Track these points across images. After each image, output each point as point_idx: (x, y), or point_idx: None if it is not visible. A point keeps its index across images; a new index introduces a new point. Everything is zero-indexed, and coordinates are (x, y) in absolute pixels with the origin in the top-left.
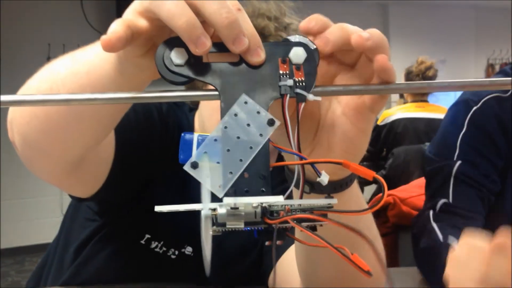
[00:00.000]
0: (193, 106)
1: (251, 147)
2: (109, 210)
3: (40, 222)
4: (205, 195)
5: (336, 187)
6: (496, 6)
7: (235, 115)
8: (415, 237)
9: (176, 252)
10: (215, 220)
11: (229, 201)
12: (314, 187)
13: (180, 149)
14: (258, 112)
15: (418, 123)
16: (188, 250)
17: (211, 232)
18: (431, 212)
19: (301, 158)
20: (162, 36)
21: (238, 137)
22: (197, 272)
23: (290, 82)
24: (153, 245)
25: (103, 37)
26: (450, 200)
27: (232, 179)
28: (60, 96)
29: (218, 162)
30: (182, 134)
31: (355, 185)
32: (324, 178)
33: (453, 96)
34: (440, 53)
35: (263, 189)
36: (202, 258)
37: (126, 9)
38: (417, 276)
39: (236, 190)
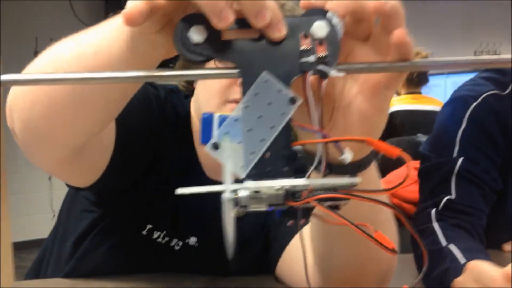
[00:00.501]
0: (188, 92)
1: (272, 126)
2: (108, 200)
3: (30, 218)
4: (227, 176)
5: (354, 168)
6: None
7: (256, 94)
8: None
9: (180, 243)
10: (236, 202)
11: (251, 184)
12: (332, 169)
13: (201, 130)
14: (280, 90)
15: (416, 115)
16: (192, 240)
17: (232, 215)
18: (433, 210)
19: (324, 136)
20: (178, 11)
21: (259, 117)
22: (203, 263)
23: (312, 58)
24: (155, 235)
25: (124, 11)
26: (453, 197)
27: (254, 160)
28: (74, 75)
29: (239, 142)
30: (203, 114)
31: (373, 167)
32: (348, 156)
33: (443, 89)
34: (428, 45)
35: (286, 168)
36: (207, 249)
37: (114, 2)
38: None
39: (258, 170)
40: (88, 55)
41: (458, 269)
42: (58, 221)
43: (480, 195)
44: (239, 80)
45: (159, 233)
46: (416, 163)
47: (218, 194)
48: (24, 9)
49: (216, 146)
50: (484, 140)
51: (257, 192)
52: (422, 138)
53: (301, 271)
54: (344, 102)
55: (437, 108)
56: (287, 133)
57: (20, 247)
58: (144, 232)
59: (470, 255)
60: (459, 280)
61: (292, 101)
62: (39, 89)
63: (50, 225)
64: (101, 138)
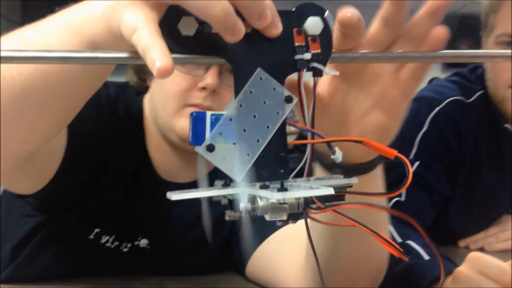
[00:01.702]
0: (141, 89)
1: (268, 126)
2: (52, 205)
3: None
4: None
5: (361, 169)
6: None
7: (250, 92)
8: None
9: (129, 245)
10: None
11: (279, 196)
12: (331, 169)
13: (191, 130)
14: (275, 88)
15: None
16: (143, 242)
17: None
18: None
19: (315, 134)
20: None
21: (255, 116)
22: (153, 264)
23: (307, 55)
24: (104, 239)
25: (160, 67)
26: (403, 198)
27: (250, 161)
28: (54, 53)
29: (234, 143)
30: (193, 113)
31: (379, 172)
32: (338, 156)
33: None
34: None
35: (282, 170)
36: (159, 250)
37: None
38: None
39: (254, 172)
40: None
41: (425, 265)
42: None
43: (429, 200)
44: (200, 84)
45: (107, 237)
46: None
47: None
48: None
49: (211, 148)
50: (440, 147)
51: (282, 203)
52: None
53: (280, 270)
54: (356, 114)
55: None
56: (283, 133)
57: None
58: (91, 237)
59: (431, 251)
60: (461, 270)
61: (288, 99)
62: None
63: None
64: (51, 144)
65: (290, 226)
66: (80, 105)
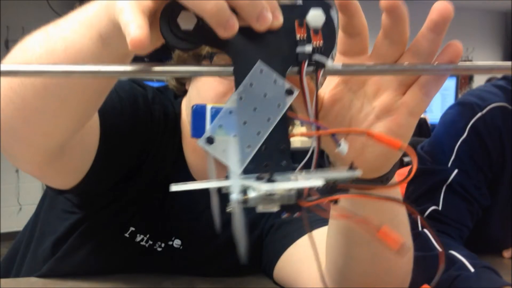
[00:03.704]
0: (179, 93)
1: (268, 119)
2: (90, 202)
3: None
4: (232, 174)
5: (376, 182)
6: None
7: (251, 84)
8: None
9: (163, 245)
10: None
11: (267, 187)
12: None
13: (192, 123)
14: (275, 81)
15: None
16: (177, 243)
17: (241, 220)
18: (418, 217)
19: (319, 127)
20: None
21: (255, 109)
22: (188, 265)
23: (308, 48)
24: (138, 238)
25: (132, 36)
26: (440, 207)
27: (251, 154)
28: (49, 67)
29: (234, 136)
30: (193, 106)
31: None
32: (344, 147)
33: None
34: None
35: (284, 162)
36: (192, 251)
37: None
38: None
39: (255, 164)
40: (59, 50)
41: (470, 278)
42: (35, 220)
43: (467, 210)
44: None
45: (142, 236)
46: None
47: (206, 196)
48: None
49: (210, 140)
50: (481, 155)
51: (270, 194)
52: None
53: (304, 276)
54: (362, 125)
55: None
56: (284, 126)
57: None
58: (127, 235)
59: (475, 262)
60: None
61: (289, 92)
62: (10, 89)
63: (15, 219)
64: (83, 140)
65: (315, 232)
66: (101, 97)
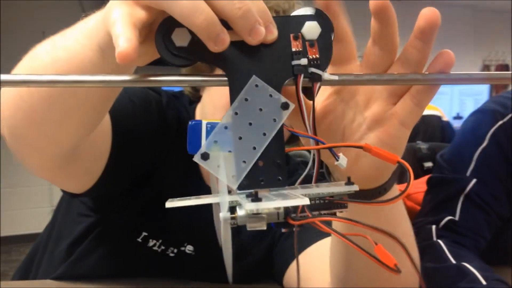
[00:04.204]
0: (194, 99)
1: (264, 134)
2: (103, 206)
3: (28, 212)
4: (223, 190)
5: (374, 194)
6: (493, 7)
7: (246, 99)
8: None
9: (175, 250)
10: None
11: (251, 207)
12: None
13: (188, 139)
14: (271, 95)
15: None
16: (189, 248)
17: (229, 234)
18: (434, 227)
19: (318, 142)
20: (159, 19)
21: (250, 123)
22: (198, 270)
23: (304, 61)
24: (151, 243)
25: (119, 50)
26: (457, 217)
27: (246, 169)
28: (44, 77)
29: (230, 151)
30: (190, 122)
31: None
32: (342, 162)
33: (450, 96)
34: (436, 52)
35: (279, 177)
36: (205, 257)
37: None
38: None
39: (251, 180)
40: (62, 60)
41: None
42: (52, 222)
43: (485, 220)
44: None
45: (154, 241)
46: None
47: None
48: (32, 2)
49: (205, 156)
50: (501, 164)
51: (256, 213)
52: (422, 145)
53: (313, 285)
54: (355, 136)
55: (431, 112)
56: (280, 140)
57: (18, 241)
58: (139, 239)
59: (487, 274)
60: None
61: (284, 106)
62: (19, 97)
63: (47, 220)
64: (94, 145)
65: (322, 242)
66: (105, 106)
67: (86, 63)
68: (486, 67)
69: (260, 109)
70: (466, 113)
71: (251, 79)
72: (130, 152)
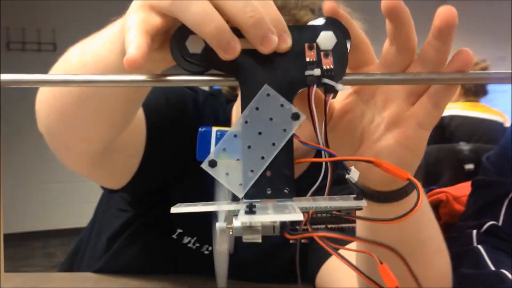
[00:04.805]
0: (231, 97)
1: (273, 144)
2: (140, 202)
3: (87, 205)
4: (222, 198)
5: (388, 197)
6: None
7: (257, 108)
8: (455, 257)
9: (210, 248)
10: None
11: (244, 219)
12: (367, 194)
13: (197, 145)
14: (282, 105)
15: (472, 122)
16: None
17: (225, 245)
18: (474, 232)
19: (330, 154)
20: (175, 27)
21: (260, 133)
22: (233, 269)
23: (317, 71)
24: (186, 240)
25: (127, 56)
26: (500, 222)
27: (253, 178)
28: (73, 77)
29: (238, 160)
30: (200, 129)
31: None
32: (353, 175)
33: (509, 100)
34: (498, 50)
35: (287, 189)
36: (237, 256)
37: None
38: None
39: (258, 190)
40: (90, 64)
41: None
42: (94, 216)
43: None
44: None
45: (189, 238)
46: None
47: None
48: (43, 3)
49: (213, 164)
50: None
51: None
52: (464, 146)
53: (344, 285)
54: (373, 136)
55: (494, 117)
56: (289, 151)
57: (77, 233)
58: (174, 236)
59: None
60: None
61: (295, 117)
62: (52, 97)
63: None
64: (128, 143)
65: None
66: (134, 106)
67: (110, 67)
68: None
69: (271, 119)
70: None
71: (262, 88)
72: (164, 149)
